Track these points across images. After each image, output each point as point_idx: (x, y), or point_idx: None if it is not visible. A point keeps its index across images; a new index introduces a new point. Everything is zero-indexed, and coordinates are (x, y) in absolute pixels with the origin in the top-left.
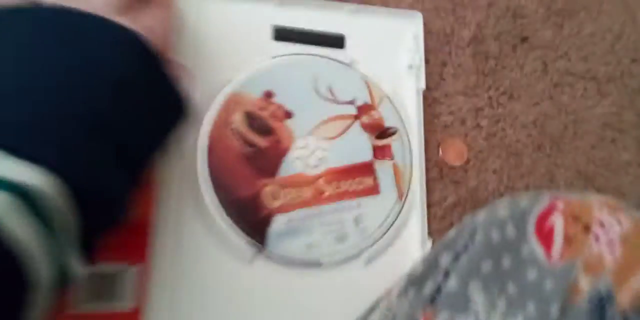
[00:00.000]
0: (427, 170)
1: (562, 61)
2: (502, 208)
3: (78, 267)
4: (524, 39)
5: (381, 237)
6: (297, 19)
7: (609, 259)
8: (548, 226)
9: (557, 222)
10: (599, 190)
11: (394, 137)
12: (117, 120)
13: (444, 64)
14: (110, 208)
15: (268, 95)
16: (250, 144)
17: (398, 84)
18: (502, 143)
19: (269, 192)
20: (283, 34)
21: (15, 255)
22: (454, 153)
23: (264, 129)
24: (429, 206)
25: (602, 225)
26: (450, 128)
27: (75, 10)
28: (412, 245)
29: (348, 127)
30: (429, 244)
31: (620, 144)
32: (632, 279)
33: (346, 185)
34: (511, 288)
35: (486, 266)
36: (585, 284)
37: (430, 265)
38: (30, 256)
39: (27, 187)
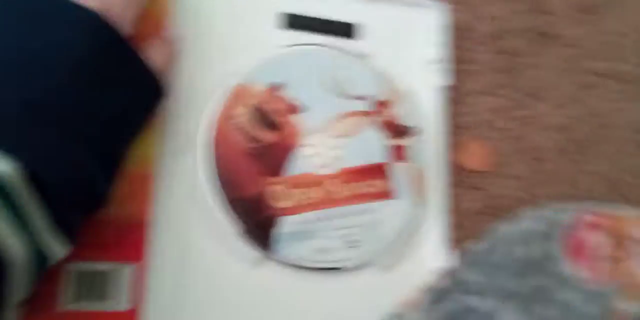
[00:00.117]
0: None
1: (590, 61)
2: (534, 222)
3: (57, 247)
4: (549, 36)
5: (396, 244)
6: (310, 5)
7: None
8: (579, 242)
9: (590, 239)
10: (626, 198)
11: (412, 137)
12: (79, 102)
13: (463, 61)
14: (79, 188)
15: (275, 87)
16: (256, 140)
17: (417, 79)
18: (527, 147)
19: (275, 192)
20: (293, 22)
21: None
22: (474, 157)
23: (271, 124)
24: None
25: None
26: (470, 130)
27: None
28: (429, 254)
29: (362, 125)
30: (447, 253)
31: None
32: None
33: (359, 187)
34: (544, 309)
35: (521, 285)
36: (626, 306)
37: (455, 280)
38: None
39: None
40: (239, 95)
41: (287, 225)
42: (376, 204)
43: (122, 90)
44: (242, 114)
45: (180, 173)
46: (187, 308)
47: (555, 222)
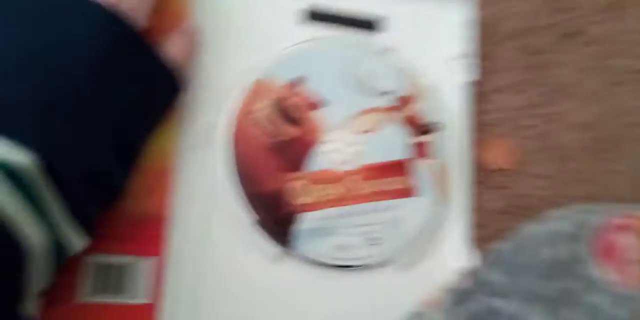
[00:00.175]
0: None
1: (617, 58)
2: (561, 222)
3: (75, 239)
4: (576, 33)
5: (417, 242)
6: None
7: None
8: (609, 244)
9: (620, 241)
10: None
11: (435, 133)
12: (94, 95)
13: (487, 58)
14: (95, 180)
15: (297, 82)
16: (276, 135)
17: (441, 75)
18: (552, 145)
19: (297, 188)
20: (315, 16)
21: (3, 220)
22: (498, 155)
23: (292, 119)
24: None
25: None
26: (494, 127)
27: None
28: (450, 253)
29: (384, 121)
30: (469, 253)
31: None
32: None
33: (380, 184)
34: (571, 312)
35: (547, 287)
36: None
37: (478, 281)
38: (17, 222)
39: (1, 160)
40: (259, 90)
41: (306, 221)
42: (397, 202)
43: (137, 83)
44: (262, 109)
45: (199, 168)
46: (204, 302)
47: (584, 223)
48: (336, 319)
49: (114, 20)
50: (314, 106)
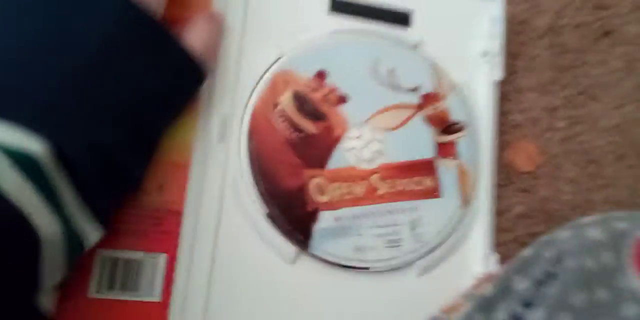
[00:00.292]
0: None
1: None
2: (593, 229)
3: (89, 230)
4: (607, 33)
5: (439, 246)
6: None
7: None
8: None
9: None
10: None
11: (461, 133)
12: (108, 84)
13: (516, 56)
14: (108, 170)
15: (321, 75)
16: (298, 129)
17: (469, 72)
18: (579, 148)
19: (316, 185)
20: (341, 6)
21: (17, 210)
22: (523, 157)
23: (315, 114)
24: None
25: None
26: (520, 128)
27: None
28: (473, 258)
29: (409, 118)
30: (492, 258)
31: None
32: None
33: (403, 184)
34: None
35: (578, 298)
36: None
37: (502, 289)
38: (31, 211)
39: (13, 148)
40: (282, 82)
41: (324, 220)
42: (419, 203)
43: (153, 72)
44: (284, 102)
45: (218, 162)
46: (218, 301)
47: (618, 231)
48: None
49: (128, 6)
50: (338, 100)
